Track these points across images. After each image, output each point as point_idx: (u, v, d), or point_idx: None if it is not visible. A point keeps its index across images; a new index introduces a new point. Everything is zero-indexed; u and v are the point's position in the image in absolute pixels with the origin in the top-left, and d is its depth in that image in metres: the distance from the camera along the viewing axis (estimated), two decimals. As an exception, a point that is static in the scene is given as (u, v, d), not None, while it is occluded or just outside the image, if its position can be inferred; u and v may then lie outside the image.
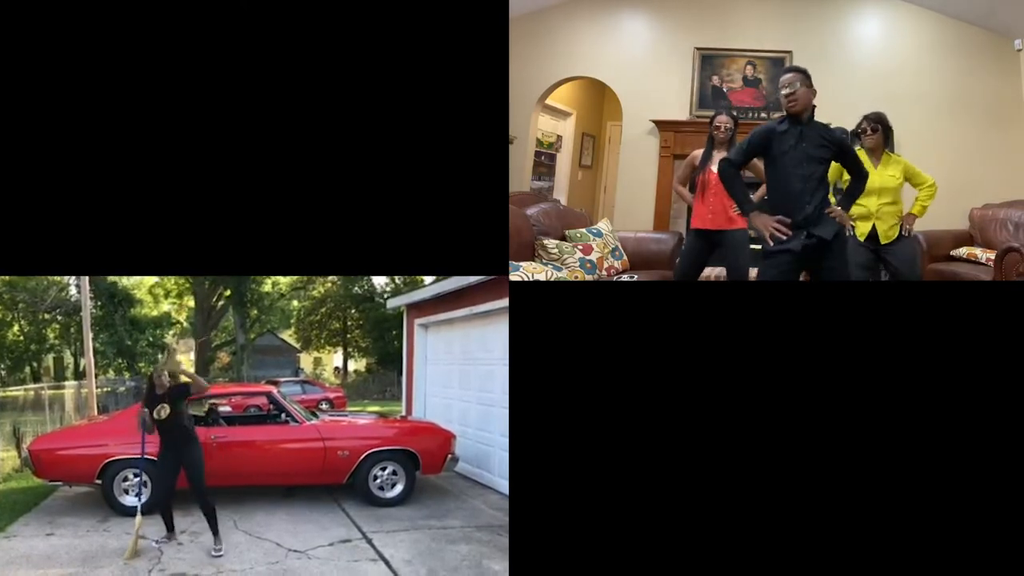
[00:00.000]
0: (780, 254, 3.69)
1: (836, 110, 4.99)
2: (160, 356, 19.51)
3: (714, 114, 5.37)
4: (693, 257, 5.34)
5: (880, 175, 4.76)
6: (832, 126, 3.83)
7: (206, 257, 3.31)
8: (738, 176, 3.88)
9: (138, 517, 4.33)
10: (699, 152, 5.40)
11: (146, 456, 4.50)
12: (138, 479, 5.01)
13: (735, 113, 5.54)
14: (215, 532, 4.27)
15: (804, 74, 3.70)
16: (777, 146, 3.70)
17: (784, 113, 3.75)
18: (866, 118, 4.86)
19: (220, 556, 4.14)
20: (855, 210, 4.54)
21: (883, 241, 4.84)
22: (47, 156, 3.25)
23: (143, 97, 3.26)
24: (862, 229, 4.83)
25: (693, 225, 5.40)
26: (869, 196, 4.69)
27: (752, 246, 5.36)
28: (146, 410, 4.34)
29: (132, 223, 3.27)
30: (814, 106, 3.74)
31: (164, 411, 4.28)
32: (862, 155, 4.81)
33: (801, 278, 3.90)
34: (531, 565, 2.73)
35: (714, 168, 5.17)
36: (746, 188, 3.90)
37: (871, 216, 4.79)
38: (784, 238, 3.65)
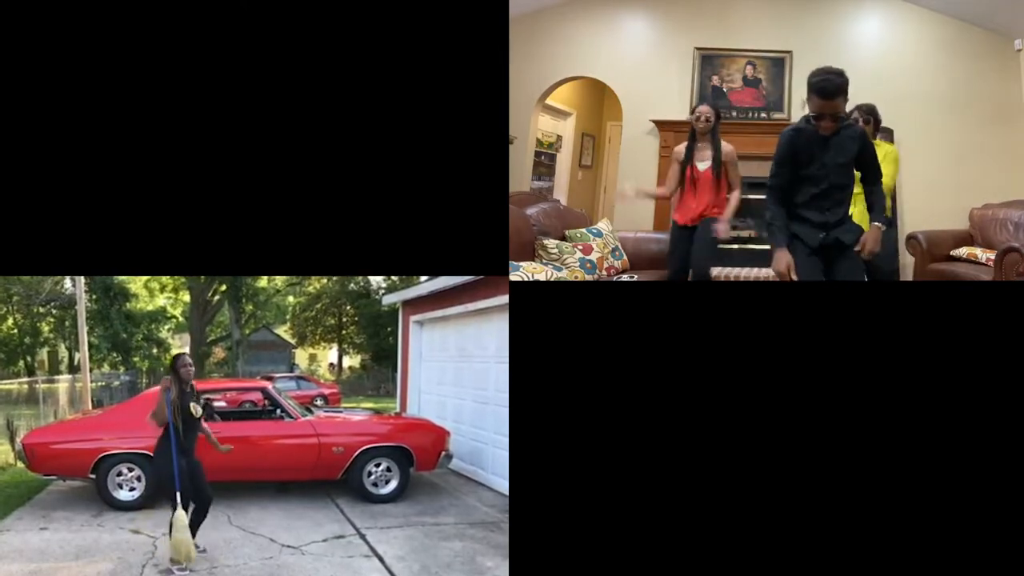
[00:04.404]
0: (802, 248, 3.63)
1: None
2: (155, 351, 19.56)
3: (695, 104, 5.25)
4: (685, 251, 5.28)
5: None
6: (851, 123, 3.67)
7: (207, 257, 3.30)
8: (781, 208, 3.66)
9: (179, 512, 3.80)
10: (682, 147, 5.29)
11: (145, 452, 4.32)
12: (176, 477, 3.99)
13: (734, 112, 5.48)
14: (194, 529, 3.88)
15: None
16: (802, 149, 3.56)
17: (807, 113, 3.54)
18: (858, 108, 4.84)
19: (203, 553, 3.98)
20: None
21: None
22: (41, 156, 3.23)
23: (142, 97, 3.24)
24: None
25: (681, 220, 5.28)
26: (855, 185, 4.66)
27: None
28: (173, 401, 3.83)
29: (131, 223, 3.25)
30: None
31: (198, 411, 3.95)
32: None
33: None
34: (531, 563, 2.72)
35: (699, 164, 5.14)
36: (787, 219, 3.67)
37: (855, 205, 4.73)
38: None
